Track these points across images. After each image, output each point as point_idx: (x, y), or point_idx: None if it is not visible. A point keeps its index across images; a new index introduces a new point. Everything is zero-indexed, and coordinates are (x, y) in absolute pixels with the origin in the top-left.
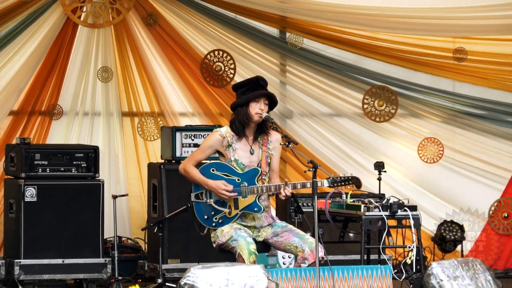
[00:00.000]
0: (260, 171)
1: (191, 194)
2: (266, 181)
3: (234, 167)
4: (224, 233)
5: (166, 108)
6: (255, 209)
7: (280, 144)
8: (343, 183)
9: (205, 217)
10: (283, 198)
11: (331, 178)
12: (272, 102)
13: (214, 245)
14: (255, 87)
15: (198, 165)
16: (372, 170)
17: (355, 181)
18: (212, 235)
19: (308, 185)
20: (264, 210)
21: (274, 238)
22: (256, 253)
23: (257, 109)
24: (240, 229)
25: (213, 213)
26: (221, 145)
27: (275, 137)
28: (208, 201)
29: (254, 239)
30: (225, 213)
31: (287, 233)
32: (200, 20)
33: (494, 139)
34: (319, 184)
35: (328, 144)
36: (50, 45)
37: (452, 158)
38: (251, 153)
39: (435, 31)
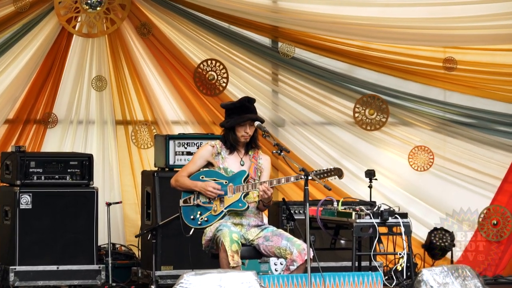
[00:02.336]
0: (247, 173)
1: (180, 200)
2: (256, 194)
3: (223, 173)
4: (211, 228)
5: (160, 117)
6: (240, 205)
7: (274, 151)
8: (326, 174)
9: (191, 217)
10: (264, 190)
11: (314, 171)
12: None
13: (203, 247)
14: (241, 110)
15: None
16: (363, 178)
17: (337, 172)
18: (202, 238)
19: (292, 179)
20: (248, 207)
21: (265, 243)
22: (239, 242)
23: (242, 132)
24: (226, 222)
25: (199, 213)
26: (210, 154)
27: (264, 157)
28: (196, 201)
29: (243, 236)
30: (211, 211)
31: (277, 237)
32: (193, 30)
33: (483, 147)
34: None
35: (320, 152)
36: (45, 55)
37: (442, 166)
38: (241, 165)
39: (425, 41)
